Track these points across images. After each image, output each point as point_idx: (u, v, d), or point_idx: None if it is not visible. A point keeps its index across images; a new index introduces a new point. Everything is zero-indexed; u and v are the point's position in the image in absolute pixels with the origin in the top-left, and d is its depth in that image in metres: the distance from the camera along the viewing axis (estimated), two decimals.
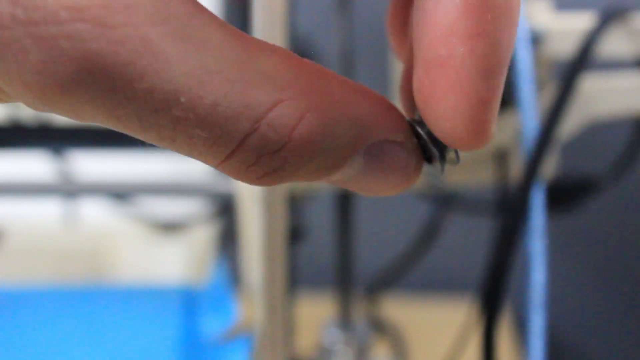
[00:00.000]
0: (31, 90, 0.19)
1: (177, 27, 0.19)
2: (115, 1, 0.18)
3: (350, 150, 0.21)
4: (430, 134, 0.23)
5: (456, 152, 0.23)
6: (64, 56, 0.18)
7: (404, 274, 0.66)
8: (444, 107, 0.21)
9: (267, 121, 0.19)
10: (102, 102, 0.19)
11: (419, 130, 0.23)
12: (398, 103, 0.24)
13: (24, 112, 0.65)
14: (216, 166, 0.20)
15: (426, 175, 0.50)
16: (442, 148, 0.23)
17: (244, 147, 0.20)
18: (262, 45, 0.20)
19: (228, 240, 0.77)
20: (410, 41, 0.23)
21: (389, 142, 0.22)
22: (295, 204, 0.56)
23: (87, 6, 0.18)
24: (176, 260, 0.85)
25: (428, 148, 0.23)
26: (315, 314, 0.64)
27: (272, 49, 0.20)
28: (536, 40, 0.47)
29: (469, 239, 0.85)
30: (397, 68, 0.47)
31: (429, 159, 0.23)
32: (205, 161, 0.20)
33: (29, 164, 0.60)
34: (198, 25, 0.19)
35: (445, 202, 0.62)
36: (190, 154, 0.20)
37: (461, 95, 0.20)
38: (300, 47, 0.64)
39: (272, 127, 0.19)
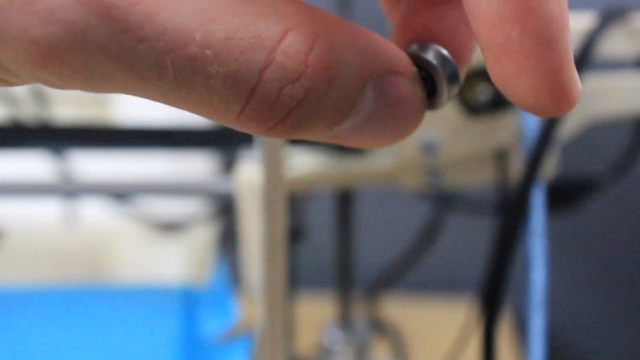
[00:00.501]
0: (40, 49, 0.18)
1: None
2: None
3: (362, 80, 0.21)
4: (436, 55, 0.23)
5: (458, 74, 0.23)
6: (72, 1, 0.18)
7: (404, 274, 0.66)
8: (521, 88, 0.21)
9: (281, 50, 0.19)
10: (114, 48, 0.18)
11: (424, 55, 0.23)
12: None
13: (24, 112, 0.65)
14: (238, 114, 0.20)
15: (428, 173, 0.50)
16: (449, 70, 0.23)
17: (264, 81, 0.20)
18: None
19: (228, 240, 0.77)
20: (404, 6, 0.24)
21: (395, 73, 0.22)
22: (295, 204, 0.56)
23: None
24: (176, 260, 0.85)
25: (434, 72, 0.23)
26: (315, 314, 0.64)
27: None
28: None
29: (469, 239, 0.85)
30: None
31: (429, 94, 0.23)
32: (227, 110, 0.20)
33: (29, 164, 0.60)
34: None
35: (445, 202, 0.62)
36: (210, 101, 0.20)
37: (533, 73, 0.21)
38: None
39: (287, 55, 0.19)
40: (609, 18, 0.47)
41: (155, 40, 0.18)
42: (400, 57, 0.22)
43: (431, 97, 0.23)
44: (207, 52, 0.19)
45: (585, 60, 0.45)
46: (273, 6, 0.20)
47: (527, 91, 0.21)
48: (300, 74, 0.20)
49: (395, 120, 0.22)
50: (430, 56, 0.23)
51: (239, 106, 0.20)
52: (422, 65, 0.23)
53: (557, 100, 0.21)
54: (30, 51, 0.18)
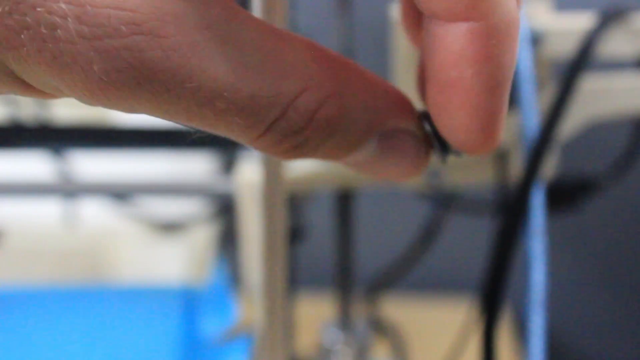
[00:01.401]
0: (93, 95, 0.21)
1: (219, 31, 0.21)
2: (167, 14, 0.21)
3: (366, 134, 0.24)
4: (434, 127, 0.25)
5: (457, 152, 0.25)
6: (124, 65, 0.21)
7: (404, 274, 0.66)
8: (457, 121, 0.23)
9: (294, 107, 0.22)
10: (156, 101, 0.21)
11: (425, 124, 0.25)
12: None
13: (24, 112, 0.65)
14: (246, 144, 0.23)
15: (428, 173, 0.50)
16: (445, 141, 0.25)
17: (273, 129, 0.23)
18: (291, 38, 0.23)
19: (228, 240, 0.77)
20: (423, 40, 0.26)
21: (401, 130, 0.25)
22: (295, 204, 0.56)
23: (144, 20, 0.21)
24: (176, 260, 0.85)
25: (433, 140, 0.25)
26: (315, 314, 0.64)
27: (300, 40, 0.23)
28: (536, 40, 0.47)
29: (469, 239, 0.85)
30: (398, 68, 0.47)
31: (436, 148, 0.26)
32: (237, 140, 0.23)
33: (29, 164, 0.60)
34: (236, 26, 0.22)
35: (445, 202, 0.62)
36: (226, 135, 0.23)
37: (471, 111, 0.23)
38: None
39: (297, 112, 0.22)
40: (609, 18, 0.47)
41: (191, 97, 0.21)
42: (409, 116, 0.25)
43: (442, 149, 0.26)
44: (231, 106, 0.22)
45: (585, 60, 0.45)
46: (298, 64, 0.22)
47: (461, 127, 0.24)
48: (305, 127, 0.23)
49: (396, 167, 0.25)
50: (430, 124, 0.25)
51: (248, 141, 0.23)
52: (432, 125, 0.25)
53: (484, 141, 0.24)
54: (86, 95, 0.21)
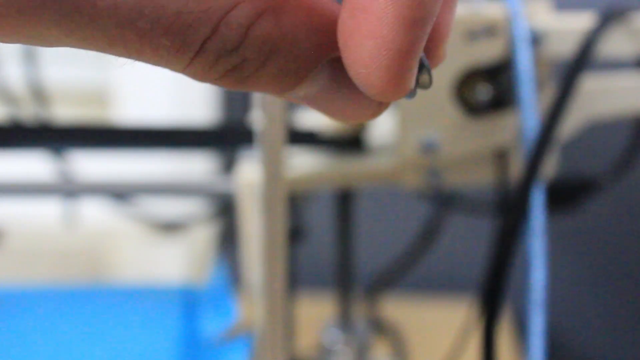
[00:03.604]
0: None
1: None
2: None
3: (314, 59, 0.21)
4: None
5: (429, 73, 0.22)
6: None
7: (404, 274, 0.66)
8: (361, 52, 0.20)
9: (225, 22, 0.20)
10: (67, 24, 0.19)
11: None
12: None
13: (24, 112, 0.65)
14: (181, 71, 0.21)
15: (428, 173, 0.50)
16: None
17: (204, 49, 0.20)
18: None
19: (228, 240, 0.77)
20: None
21: None
22: (295, 204, 0.56)
23: None
24: (176, 260, 0.85)
25: None
26: (315, 314, 0.64)
27: None
28: (536, 40, 0.47)
29: (469, 239, 0.85)
30: None
31: None
32: (171, 68, 0.21)
33: (29, 164, 0.60)
34: None
35: (445, 202, 0.62)
36: (157, 62, 0.21)
37: (379, 42, 0.20)
38: None
39: (229, 26, 0.20)
40: (609, 18, 0.47)
41: (107, 17, 0.19)
42: None
43: None
44: (155, 26, 0.20)
45: (585, 60, 0.45)
46: None
47: (364, 60, 0.20)
48: (239, 44, 0.20)
49: (352, 103, 0.22)
50: None
51: (182, 67, 0.21)
52: None
53: (388, 81, 0.20)
54: None
